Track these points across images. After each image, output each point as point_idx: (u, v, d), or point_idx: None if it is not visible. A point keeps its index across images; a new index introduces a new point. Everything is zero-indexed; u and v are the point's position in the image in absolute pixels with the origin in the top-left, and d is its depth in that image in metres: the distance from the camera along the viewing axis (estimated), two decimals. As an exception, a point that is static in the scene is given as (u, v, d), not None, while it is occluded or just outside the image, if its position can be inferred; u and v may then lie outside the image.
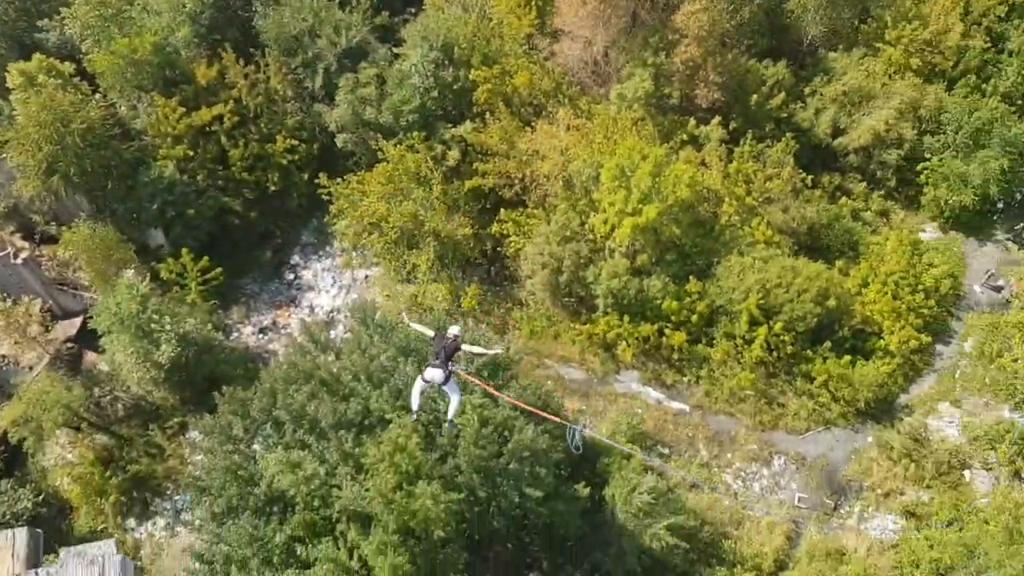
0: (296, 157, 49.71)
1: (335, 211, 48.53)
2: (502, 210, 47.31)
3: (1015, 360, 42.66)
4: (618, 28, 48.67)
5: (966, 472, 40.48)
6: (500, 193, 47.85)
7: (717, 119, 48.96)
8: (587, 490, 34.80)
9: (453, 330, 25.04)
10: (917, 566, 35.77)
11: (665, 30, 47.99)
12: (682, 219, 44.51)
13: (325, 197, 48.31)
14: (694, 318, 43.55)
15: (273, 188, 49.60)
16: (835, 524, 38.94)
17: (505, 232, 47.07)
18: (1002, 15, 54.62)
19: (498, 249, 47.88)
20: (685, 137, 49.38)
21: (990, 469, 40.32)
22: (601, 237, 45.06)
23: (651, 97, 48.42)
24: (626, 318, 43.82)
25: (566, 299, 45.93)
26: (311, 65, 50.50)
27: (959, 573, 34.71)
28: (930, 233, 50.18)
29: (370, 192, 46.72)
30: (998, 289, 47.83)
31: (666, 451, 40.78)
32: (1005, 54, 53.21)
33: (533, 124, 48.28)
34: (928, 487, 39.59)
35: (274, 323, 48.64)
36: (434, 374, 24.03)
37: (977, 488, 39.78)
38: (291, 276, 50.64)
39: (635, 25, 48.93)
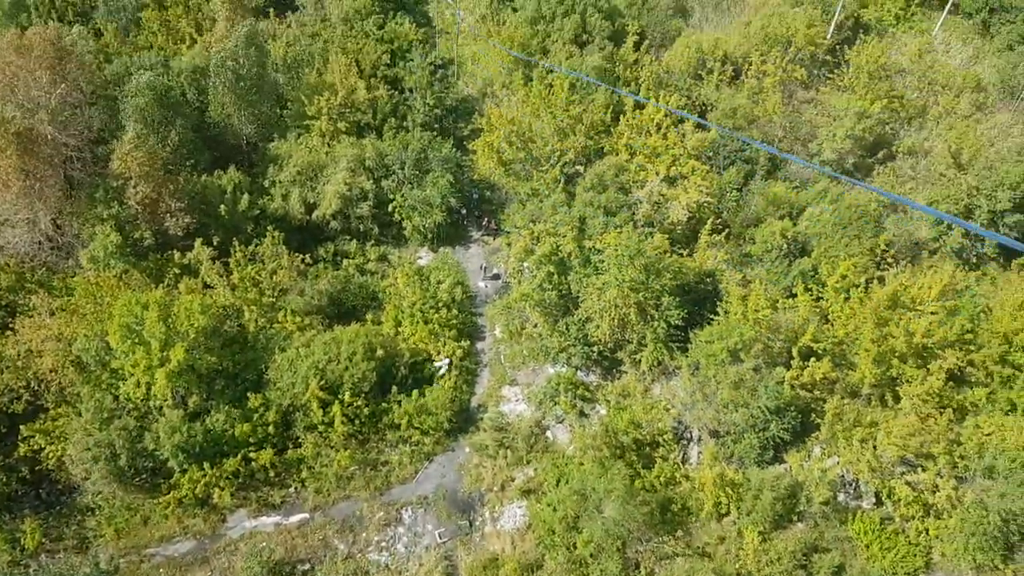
0: None
1: None
2: (22, 427, 41.97)
3: (535, 326, 49.86)
4: (56, 197, 46.05)
5: (548, 433, 46.48)
6: (11, 410, 42.41)
7: (199, 241, 49.03)
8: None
9: None
10: (553, 531, 40.29)
11: (107, 181, 46.56)
12: (213, 345, 43.89)
13: None
14: (270, 429, 43.37)
15: None
16: (478, 538, 42.02)
17: (37, 447, 41.90)
18: (388, 62, 62.71)
19: (38, 468, 42.42)
20: (177, 270, 48.60)
21: (562, 421, 46.75)
22: (141, 401, 42.56)
23: (124, 248, 46.76)
24: (206, 464, 42.02)
25: (137, 479, 42.47)
26: None
27: (584, 516, 39.88)
28: (426, 257, 56.01)
29: None
30: (496, 277, 55.32)
31: (307, 566, 40.23)
32: (408, 92, 61.24)
33: (12, 325, 43.54)
34: (528, 462, 44.64)
35: None
36: None
37: (560, 441, 45.92)
38: None
39: (73, 188, 46.69)
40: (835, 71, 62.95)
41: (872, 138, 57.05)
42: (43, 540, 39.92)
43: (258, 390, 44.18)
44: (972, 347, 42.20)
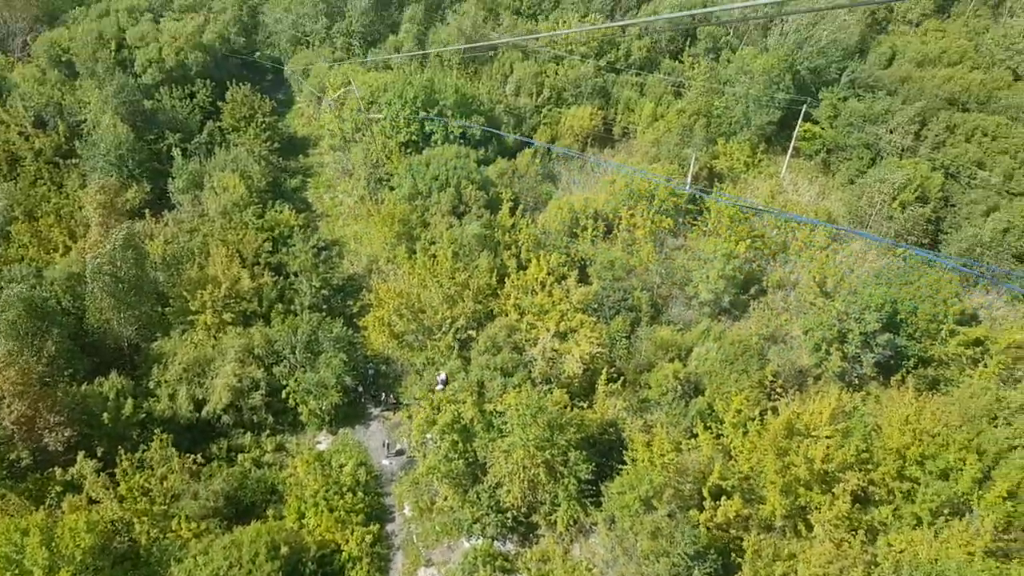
0: None
1: None
2: None
3: (444, 499, 48.67)
4: (-82, 426, 43.04)
5: (470, 612, 44.49)
6: None
7: (82, 454, 46.36)
8: None
9: None
10: None
11: (-25, 402, 44.04)
12: (102, 564, 40.89)
13: None
14: (171, 652, 39.97)
15: None
16: None
17: None
18: (270, 249, 63.12)
19: None
20: (59, 488, 45.62)
21: (486, 597, 44.95)
22: (22, 641, 38.67)
23: (0, 471, 43.81)
24: None
25: None
26: None
27: None
28: (325, 441, 54.49)
29: None
30: (400, 453, 54.13)
31: None
32: (293, 276, 61.49)
33: None
34: (452, 646, 42.42)
35: None
36: None
37: (485, 618, 43.99)
38: None
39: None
40: (698, 218, 67.12)
41: (742, 276, 60.32)
42: None
43: (154, 610, 40.98)
44: (870, 466, 43.57)
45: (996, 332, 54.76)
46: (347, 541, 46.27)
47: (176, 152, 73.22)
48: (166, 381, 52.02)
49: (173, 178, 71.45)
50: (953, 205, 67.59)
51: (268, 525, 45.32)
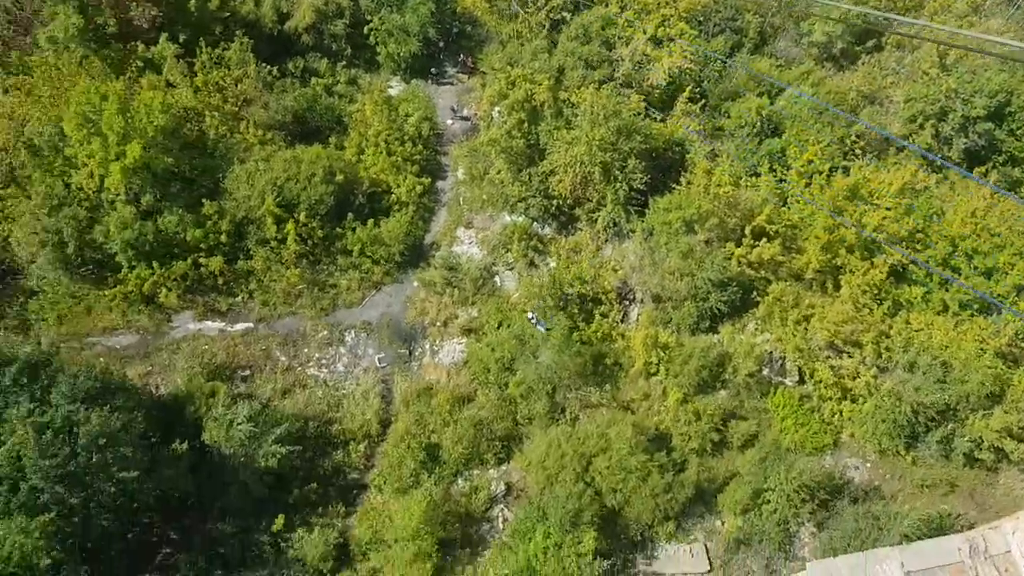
0: None
1: None
2: (-37, 207, 41.56)
3: (498, 172, 49.57)
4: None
5: (496, 279, 47.10)
6: (-45, 185, 41.81)
7: (164, 35, 47.27)
8: (185, 444, 34.30)
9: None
10: (488, 370, 41.60)
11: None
12: (171, 146, 43.24)
13: None
14: (223, 238, 43.41)
15: None
16: (415, 367, 43.29)
17: (-18, 223, 41.63)
18: None
19: (-19, 245, 42.30)
20: (140, 63, 47.02)
21: (512, 268, 47.29)
22: (94, 192, 42.10)
23: (86, 32, 44.91)
24: (155, 263, 42.21)
25: (83, 269, 42.58)
26: None
27: (520, 360, 41.18)
28: (396, 87, 54.66)
29: None
30: (466, 118, 54.38)
31: (247, 373, 41.27)
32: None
33: (-40, 98, 42.23)
34: (473, 303, 45.45)
35: None
36: None
37: (507, 287, 46.66)
38: None
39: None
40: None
41: (864, 24, 55.79)
42: (-17, 315, 40.42)
43: (213, 198, 43.84)
44: (919, 247, 43.07)
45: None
46: (399, 186, 48.03)
47: None
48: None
49: None
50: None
51: (328, 151, 46.99)
